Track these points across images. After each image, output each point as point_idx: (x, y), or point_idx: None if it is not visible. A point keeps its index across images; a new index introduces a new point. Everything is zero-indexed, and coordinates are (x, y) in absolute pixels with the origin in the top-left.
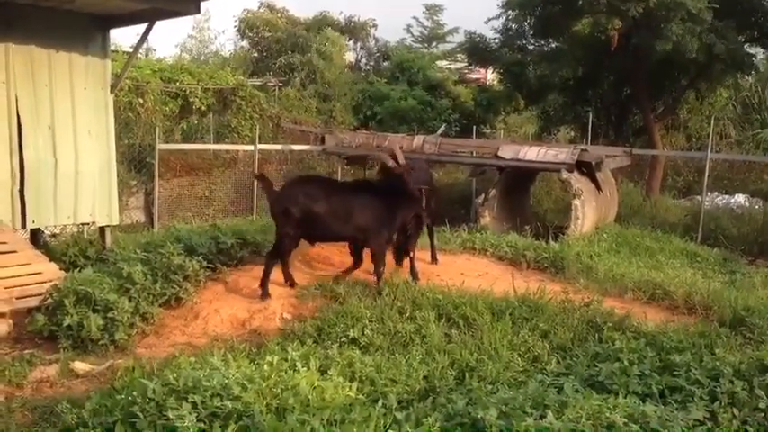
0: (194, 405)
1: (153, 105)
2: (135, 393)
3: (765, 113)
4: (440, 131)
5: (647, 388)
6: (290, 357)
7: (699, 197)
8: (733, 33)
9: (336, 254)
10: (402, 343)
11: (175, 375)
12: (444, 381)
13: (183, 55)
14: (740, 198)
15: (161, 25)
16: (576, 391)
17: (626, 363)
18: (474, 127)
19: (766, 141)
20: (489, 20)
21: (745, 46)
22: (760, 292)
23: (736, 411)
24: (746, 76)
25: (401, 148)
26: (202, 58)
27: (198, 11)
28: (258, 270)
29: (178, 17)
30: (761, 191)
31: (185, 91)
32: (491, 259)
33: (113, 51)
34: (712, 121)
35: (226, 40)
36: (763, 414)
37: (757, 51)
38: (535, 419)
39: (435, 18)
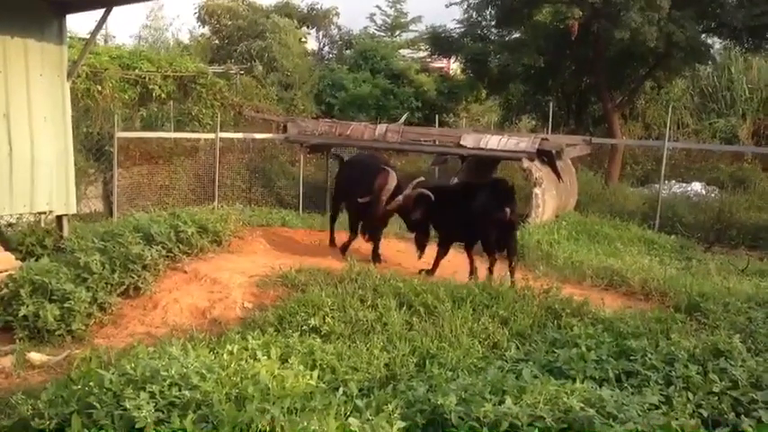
0: (152, 395)
1: (111, 92)
2: (92, 384)
3: (722, 103)
4: (402, 120)
5: (604, 373)
6: (250, 346)
7: (656, 185)
8: (691, 23)
9: (297, 241)
10: (363, 331)
11: (133, 365)
12: (405, 368)
13: (140, 43)
14: (697, 186)
15: (119, 13)
16: (535, 376)
17: (583, 348)
18: (437, 116)
19: (723, 130)
20: (450, 5)
21: (703, 36)
22: (715, 279)
23: (690, 395)
24: (704, 66)
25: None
26: (159, 44)
27: None
28: (219, 259)
29: (135, 2)
30: (717, 179)
31: (145, 78)
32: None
33: (70, 38)
34: (670, 111)
35: (182, 25)
36: (717, 398)
37: (714, 41)
38: (494, 405)
39: (398, 7)
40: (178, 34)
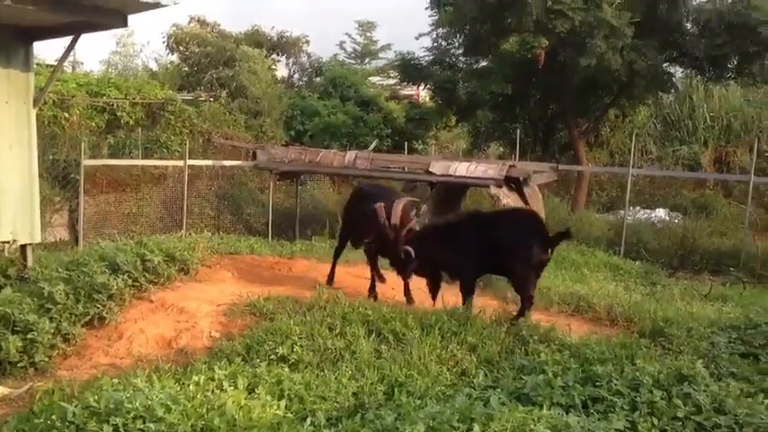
0: (116, 428)
1: (79, 119)
2: (54, 417)
3: (684, 131)
4: (372, 147)
5: (571, 399)
6: (216, 376)
7: (622, 211)
8: (653, 52)
9: (266, 269)
10: (332, 359)
11: (96, 397)
12: (373, 397)
13: (109, 69)
14: (661, 212)
15: (88, 39)
16: (503, 403)
17: (550, 375)
18: (406, 143)
19: (685, 158)
20: (420, 36)
21: (665, 65)
22: (679, 304)
23: (655, 420)
24: (666, 95)
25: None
26: (128, 71)
27: (125, 24)
28: (186, 288)
29: (104, 30)
30: (680, 205)
31: (112, 105)
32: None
33: (38, 64)
34: (633, 138)
35: (151, 52)
36: (681, 423)
37: (676, 70)
38: None
39: (368, 35)
40: (148, 62)
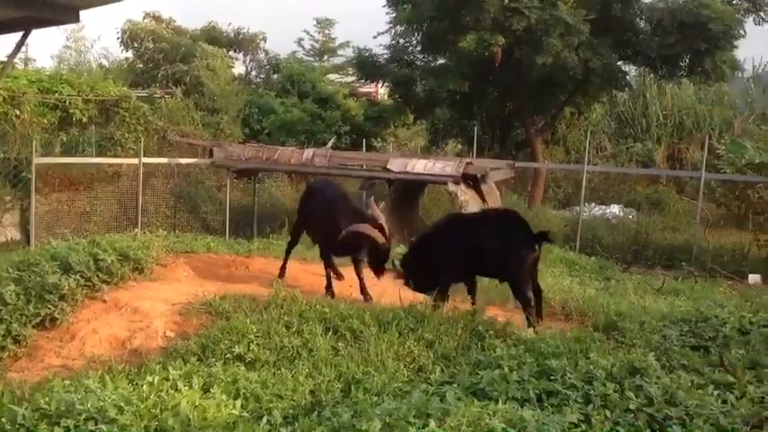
0: (67, 430)
1: (30, 117)
2: (4, 420)
3: (638, 128)
4: (330, 144)
5: (526, 393)
6: (171, 376)
7: (577, 208)
8: (608, 50)
9: (223, 268)
10: (289, 358)
11: (47, 399)
12: (330, 394)
13: (60, 65)
14: (615, 209)
15: (39, 35)
16: (459, 398)
17: (506, 369)
18: (364, 140)
19: (639, 154)
20: (378, 34)
21: (619, 63)
22: (632, 298)
23: (608, 413)
24: (621, 93)
25: None
26: (80, 67)
27: (77, 19)
28: (140, 287)
29: (56, 25)
30: (634, 201)
31: (65, 102)
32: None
33: None
34: (588, 135)
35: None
36: (633, 415)
37: (630, 69)
38: (418, 429)
39: (326, 32)
40: (100, 57)
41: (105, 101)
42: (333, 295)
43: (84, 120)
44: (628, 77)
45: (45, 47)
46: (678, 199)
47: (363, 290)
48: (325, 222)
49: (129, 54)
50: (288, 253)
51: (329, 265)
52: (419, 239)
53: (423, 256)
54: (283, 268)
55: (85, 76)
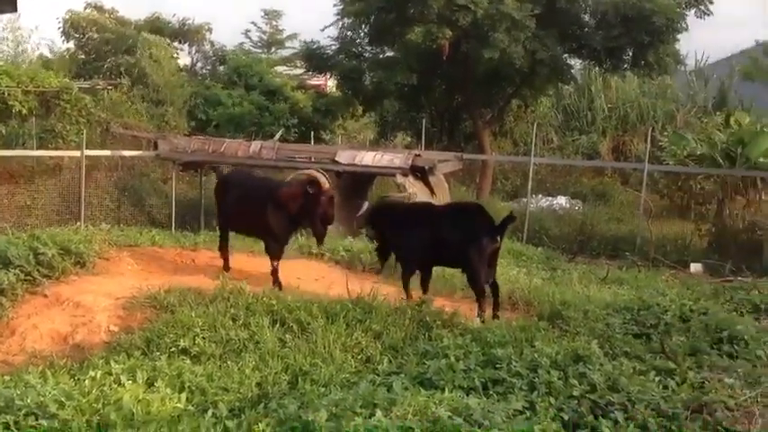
0: (6, 426)
1: None
2: None
3: (584, 120)
4: (277, 137)
5: (472, 382)
6: (114, 371)
7: (525, 199)
8: (554, 42)
9: (168, 261)
10: (235, 350)
11: None
12: (277, 386)
13: None
14: (562, 200)
15: None
16: (405, 388)
17: (452, 359)
18: (312, 132)
19: (585, 146)
20: (325, 27)
21: (565, 56)
22: (577, 287)
23: (552, 400)
24: (567, 86)
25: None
26: (19, 59)
27: (15, 9)
28: (83, 281)
29: None
30: (580, 193)
31: (3, 93)
32: (328, 263)
33: None
34: (534, 128)
35: (40, 38)
36: (576, 401)
37: (576, 62)
38: (364, 418)
39: (274, 23)
40: (38, 48)
41: (45, 92)
42: (280, 287)
43: (24, 111)
44: (573, 71)
45: None
46: (623, 190)
47: (275, 276)
48: (259, 211)
49: (71, 45)
50: (223, 250)
51: (278, 257)
52: (390, 209)
53: (386, 227)
54: (226, 261)
55: (24, 67)
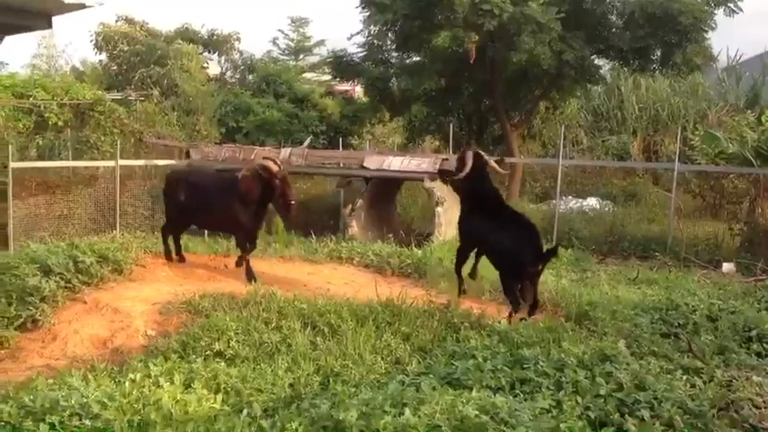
0: (52, 426)
1: (5, 122)
2: None
3: (613, 121)
4: (306, 143)
5: (499, 381)
6: (152, 373)
7: (554, 201)
8: (581, 43)
9: (202, 267)
10: (268, 353)
11: (32, 397)
12: (309, 387)
13: (34, 70)
14: (592, 201)
15: (11, 41)
16: (434, 388)
17: (480, 359)
18: (341, 138)
19: (615, 147)
20: (352, 36)
21: (593, 57)
22: (605, 288)
23: (579, 399)
24: (595, 87)
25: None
26: (53, 72)
27: (50, 26)
28: (120, 288)
29: (28, 32)
30: (610, 194)
31: (40, 106)
32: (357, 267)
33: None
34: (563, 129)
35: (74, 51)
36: (603, 400)
37: (604, 63)
38: (393, 417)
39: (301, 31)
40: (71, 61)
41: (80, 104)
42: (255, 279)
43: (60, 123)
44: (601, 71)
45: (18, 53)
46: (654, 190)
47: (248, 269)
48: (224, 207)
49: (103, 57)
50: (167, 243)
51: (249, 250)
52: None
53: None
54: (169, 254)
55: (59, 80)
